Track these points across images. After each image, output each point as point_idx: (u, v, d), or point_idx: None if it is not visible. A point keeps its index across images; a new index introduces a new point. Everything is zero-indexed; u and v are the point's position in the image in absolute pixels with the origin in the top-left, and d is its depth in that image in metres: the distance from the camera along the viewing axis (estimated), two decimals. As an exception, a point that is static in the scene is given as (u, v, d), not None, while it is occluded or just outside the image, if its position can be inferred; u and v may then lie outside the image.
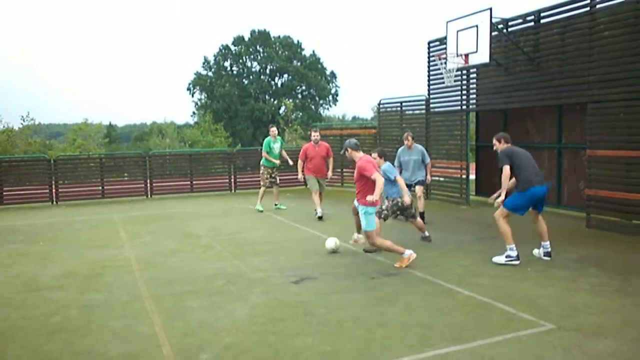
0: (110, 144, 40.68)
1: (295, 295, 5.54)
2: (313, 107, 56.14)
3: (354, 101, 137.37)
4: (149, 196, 15.41)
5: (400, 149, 9.71)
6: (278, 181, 12.02)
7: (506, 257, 6.56)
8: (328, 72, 56.78)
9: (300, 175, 10.94)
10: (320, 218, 10.27)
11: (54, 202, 14.57)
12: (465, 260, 6.81)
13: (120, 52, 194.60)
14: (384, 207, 7.62)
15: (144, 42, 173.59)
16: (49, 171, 14.77)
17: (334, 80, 57.33)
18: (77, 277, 6.49)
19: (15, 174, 14.73)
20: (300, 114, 50.67)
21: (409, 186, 8.85)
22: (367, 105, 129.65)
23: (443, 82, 11.25)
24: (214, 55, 54.97)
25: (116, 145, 50.26)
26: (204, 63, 55.12)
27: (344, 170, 15.88)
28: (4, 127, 27.81)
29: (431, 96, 12.83)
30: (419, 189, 9.46)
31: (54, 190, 14.67)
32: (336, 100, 57.63)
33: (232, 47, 54.78)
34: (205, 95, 54.06)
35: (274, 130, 11.94)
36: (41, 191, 14.65)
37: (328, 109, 58.00)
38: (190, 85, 54.63)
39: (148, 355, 4.12)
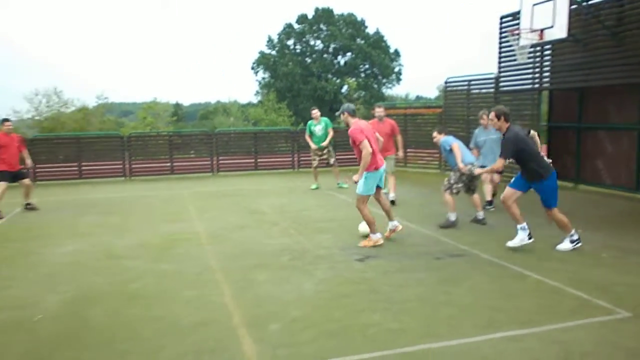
0: (177, 122, 41.96)
1: (360, 272, 5.58)
2: (376, 86, 55.40)
3: (417, 80, 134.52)
4: (215, 173, 15.88)
5: (477, 130, 9.21)
6: (332, 162, 12.03)
7: (571, 242, 6.29)
8: (392, 50, 55.76)
9: None
10: (392, 202, 9.34)
11: (127, 177, 15.31)
12: (534, 244, 6.60)
13: (185, 33, 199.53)
14: (452, 181, 7.54)
15: (209, 22, 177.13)
16: (122, 148, 15.52)
17: (397, 59, 56.24)
18: (151, 248, 6.83)
19: (92, 150, 15.58)
20: (363, 93, 50.16)
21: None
22: (431, 84, 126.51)
23: (515, 60, 10.79)
24: (278, 34, 55.24)
25: (182, 123, 51.82)
26: (267, 42, 55.56)
27: (407, 150, 15.57)
28: (81, 105, 29.39)
29: (501, 74, 12.37)
30: (497, 177, 9.12)
31: (127, 166, 15.42)
32: (400, 79, 56.58)
33: (296, 26, 54.79)
34: (269, 74, 54.60)
35: (315, 112, 11.95)
36: (115, 166, 15.43)
37: (391, 88, 57.05)
38: (254, 64, 55.32)
39: (219, 323, 4.30)
